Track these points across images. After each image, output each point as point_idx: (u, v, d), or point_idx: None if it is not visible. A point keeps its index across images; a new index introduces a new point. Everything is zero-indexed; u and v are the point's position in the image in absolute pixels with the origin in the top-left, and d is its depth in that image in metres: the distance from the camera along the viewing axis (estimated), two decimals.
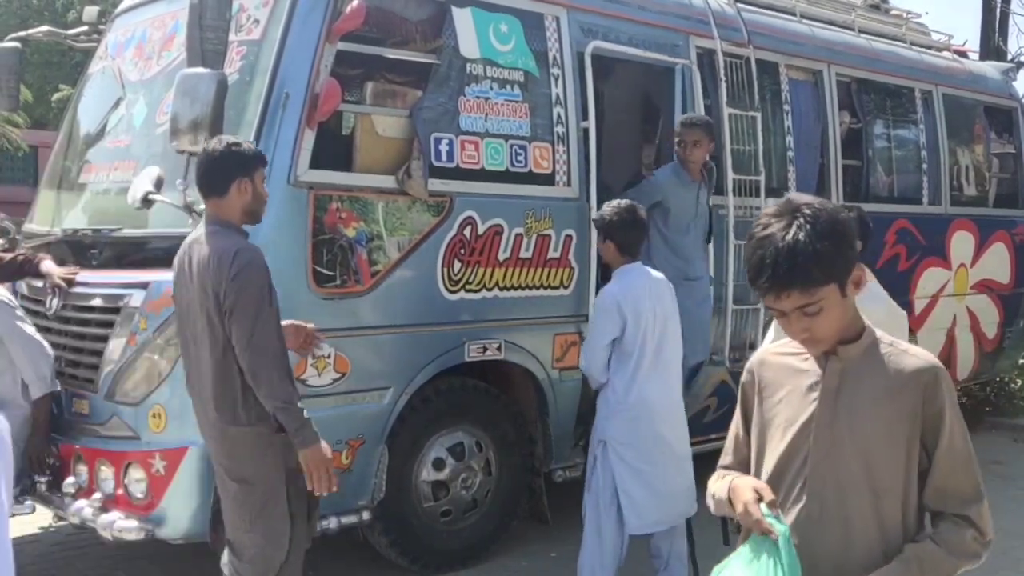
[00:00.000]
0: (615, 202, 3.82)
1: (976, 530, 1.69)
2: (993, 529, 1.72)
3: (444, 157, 4.11)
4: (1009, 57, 10.95)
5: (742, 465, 1.89)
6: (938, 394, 1.70)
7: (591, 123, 4.66)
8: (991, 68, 7.91)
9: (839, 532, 1.70)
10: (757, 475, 1.83)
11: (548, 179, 4.50)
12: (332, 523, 3.80)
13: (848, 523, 1.70)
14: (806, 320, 1.67)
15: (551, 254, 4.48)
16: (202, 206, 3.46)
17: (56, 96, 21.35)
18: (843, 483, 1.71)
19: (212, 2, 3.27)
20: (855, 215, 3.16)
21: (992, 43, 10.31)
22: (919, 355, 1.75)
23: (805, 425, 1.75)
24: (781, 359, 1.83)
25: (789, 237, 1.62)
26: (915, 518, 1.73)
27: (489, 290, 4.27)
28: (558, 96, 4.53)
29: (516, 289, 4.36)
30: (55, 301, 4.00)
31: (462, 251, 4.15)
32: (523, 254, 4.37)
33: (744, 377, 1.90)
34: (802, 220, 1.63)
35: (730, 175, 5.21)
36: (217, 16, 3.26)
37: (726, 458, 1.94)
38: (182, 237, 3.55)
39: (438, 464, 4.23)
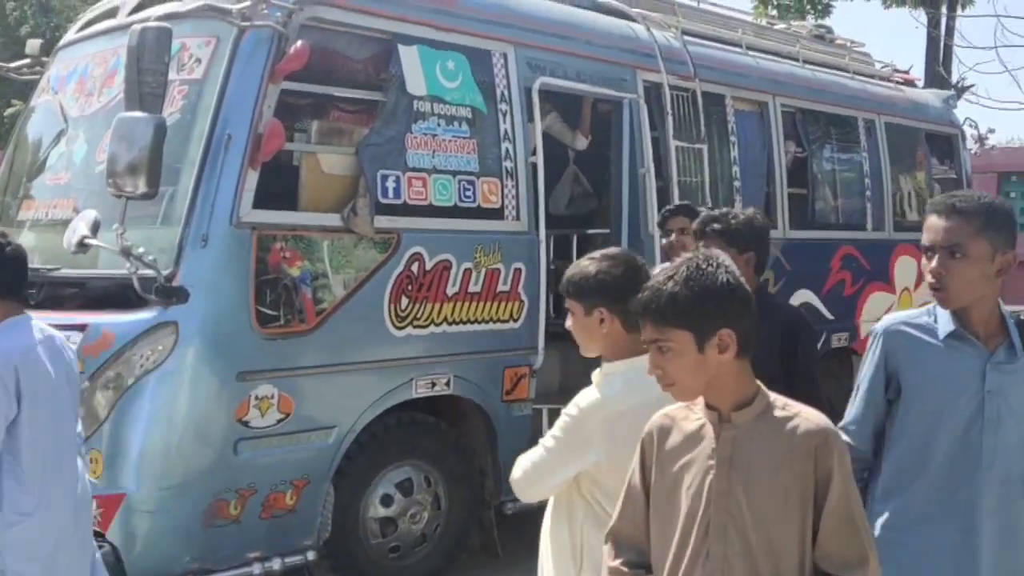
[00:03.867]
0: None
1: None
2: None
3: (391, 194, 4.11)
4: (954, 80, 11.25)
5: (638, 528, 1.86)
6: (828, 457, 1.72)
7: (539, 158, 4.70)
8: (932, 96, 8.11)
9: None
10: (661, 546, 1.81)
11: (497, 213, 4.52)
12: (276, 564, 3.76)
13: None
14: (660, 357, 1.77)
15: (500, 287, 4.50)
16: (140, 249, 3.44)
17: (8, 111, 20.96)
18: (743, 553, 1.72)
19: (151, 44, 3.25)
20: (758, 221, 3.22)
21: (935, 72, 10.58)
22: (811, 418, 1.76)
23: (703, 494, 1.76)
24: (678, 424, 1.84)
25: (663, 278, 1.76)
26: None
27: (437, 325, 4.27)
28: (506, 131, 4.56)
29: (465, 323, 4.36)
30: None
31: (410, 287, 4.15)
32: (472, 288, 4.38)
33: (643, 439, 1.89)
34: (683, 270, 1.75)
35: None
36: (155, 59, 3.24)
37: (620, 524, 1.90)
38: (121, 278, 3.56)
39: (386, 500, 4.21)
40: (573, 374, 4.98)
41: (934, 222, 2.17)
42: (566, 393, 5.06)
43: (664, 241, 4.31)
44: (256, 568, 3.69)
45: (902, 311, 2.36)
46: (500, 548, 4.68)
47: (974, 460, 2.16)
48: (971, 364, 2.17)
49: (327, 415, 3.90)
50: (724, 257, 1.79)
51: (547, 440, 2.28)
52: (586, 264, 2.30)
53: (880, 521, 2.24)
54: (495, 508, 4.63)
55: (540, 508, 4.69)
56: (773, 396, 1.80)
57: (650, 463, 1.86)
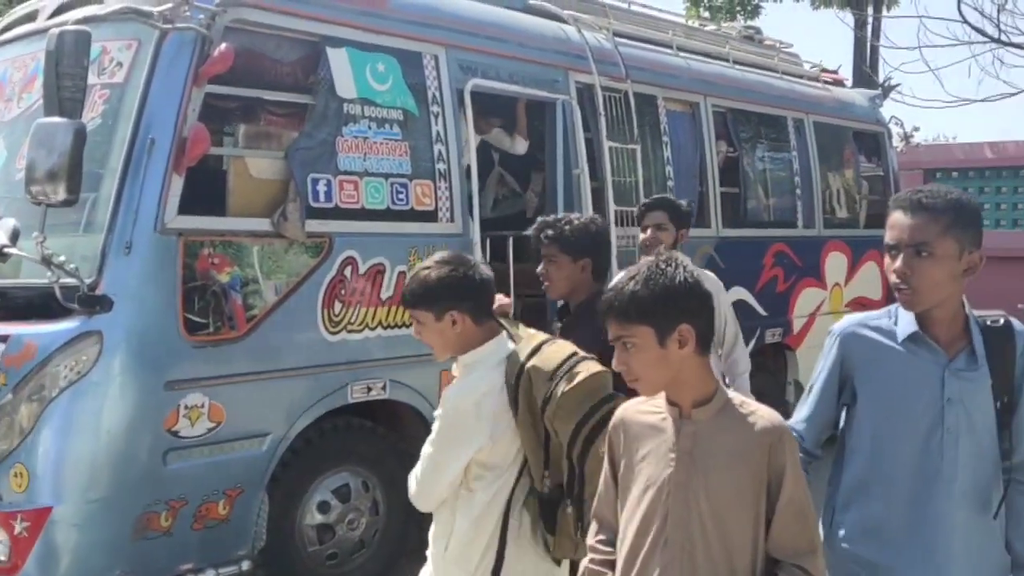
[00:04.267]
0: None
1: None
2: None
3: (322, 197, 4.07)
4: (881, 80, 11.53)
5: (612, 511, 2.00)
6: (782, 453, 1.81)
7: (472, 159, 4.70)
8: (859, 95, 8.30)
9: None
10: (624, 531, 1.93)
11: (431, 216, 4.51)
12: (209, 575, 3.71)
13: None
14: (625, 354, 1.87)
15: None
16: (62, 258, 3.36)
17: None
18: (700, 542, 1.82)
19: (69, 48, 3.18)
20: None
21: (863, 72, 10.83)
22: (766, 416, 1.86)
23: (664, 485, 1.85)
24: (642, 417, 1.95)
25: (626, 279, 1.89)
26: (764, 570, 1.84)
27: (372, 329, 4.25)
28: (439, 133, 4.56)
29: (400, 327, 4.34)
30: None
31: (343, 291, 4.12)
32: None
33: (610, 430, 2.01)
34: (644, 270, 1.88)
35: (612, 206, 5.32)
36: (74, 63, 3.16)
37: (599, 507, 2.05)
38: (43, 288, 3.47)
39: (323, 507, 4.17)
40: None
41: (899, 219, 2.03)
42: None
43: (641, 236, 4.14)
44: None
45: (861, 313, 2.25)
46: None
47: (934, 472, 2.05)
48: (930, 370, 2.05)
49: (260, 423, 3.85)
50: (684, 258, 1.90)
51: (427, 448, 2.37)
52: (424, 273, 2.39)
53: (840, 533, 2.18)
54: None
55: None
56: (731, 394, 1.90)
57: (616, 454, 1.99)
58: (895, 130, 9.85)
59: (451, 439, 2.33)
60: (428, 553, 2.54)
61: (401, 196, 4.38)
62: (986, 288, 10.31)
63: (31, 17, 4.35)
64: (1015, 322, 2.11)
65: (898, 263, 2.01)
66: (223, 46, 3.67)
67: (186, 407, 3.56)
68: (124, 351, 3.44)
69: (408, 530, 4.53)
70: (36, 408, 3.37)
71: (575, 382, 2.28)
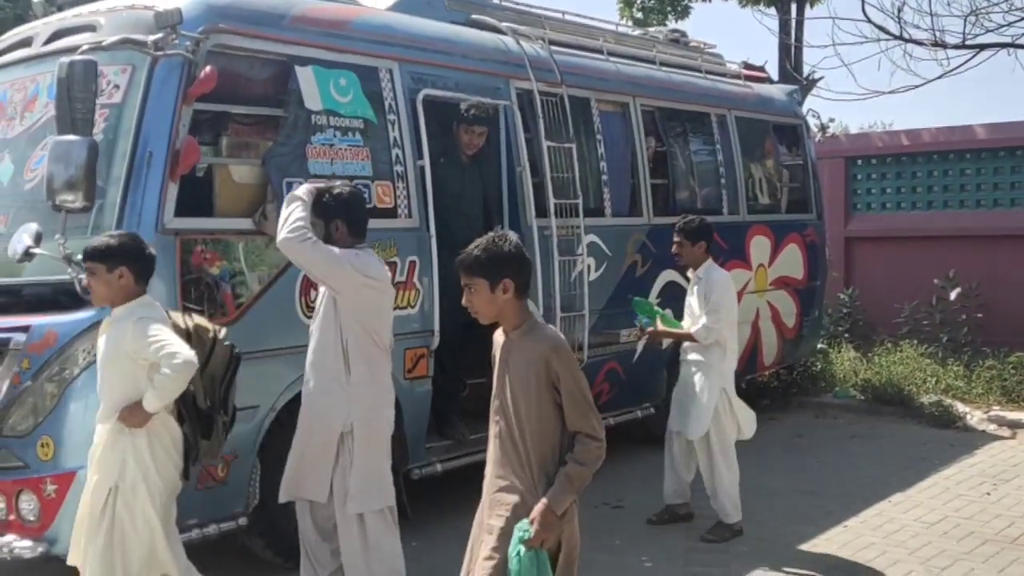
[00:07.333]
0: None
1: (595, 440, 2.74)
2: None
3: None
4: (805, 75, 12.33)
5: None
6: (555, 361, 2.75)
7: (426, 161, 5.27)
8: (777, 91, 9.01)
9: (516, 446, 2.81)
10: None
11: (391, 212, 5.07)
12: (212, 529, 4.25)
13: (518, 439, 2.79)
14: (469, 295, 2.81)
15: (398, 278, 5.06)
16: (79, 256, 3.87)
17: None
18: (508, 414, 2.81)
19: (79, 76, 3.70)
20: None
21: (787, 70, 11.59)
22: (548, 336, 2.82)
23: (495, 378, 2.88)
24: (498, 337, 2.93)
25: (472, 247, 2.82)
26: (563, 437, 2.77)
27: None
28: (395, 139, 5.13)
29: None
30: None
31: None
32: None
33: (493, 343, 2.97)
34: (484, 241, 2.80)
35: (551, 200, 5.94)
36: (84, 88, 3.69)
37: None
38: (59, 284, 3.98)
39: None
40: (471, 351, 5.59)
41: None
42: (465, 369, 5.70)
43: None
44: (194, 533, 4.16)
45: None
46: (409, 510, 5.24)
47: None
48: None
49: (249, 396, 4.33)
50: (512, 234, 2.84)
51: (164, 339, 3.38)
52: (107, 238, 3.46)
53: None
54: (403, 474, 5.19)
55: (445, 473, 5.28)
56: (541, 323, 2.86)
57: (493, 357, 2.92)
58: (812, 122, 10.62)
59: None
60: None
61: (364, 195, 4.94)
62: (907, 267, 11.24)
63: (26, 43, 4.82)
64: None
65: None
66: (207, 68, 4.21)
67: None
68: None
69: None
70: (58, 387, 3.89)
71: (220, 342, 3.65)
